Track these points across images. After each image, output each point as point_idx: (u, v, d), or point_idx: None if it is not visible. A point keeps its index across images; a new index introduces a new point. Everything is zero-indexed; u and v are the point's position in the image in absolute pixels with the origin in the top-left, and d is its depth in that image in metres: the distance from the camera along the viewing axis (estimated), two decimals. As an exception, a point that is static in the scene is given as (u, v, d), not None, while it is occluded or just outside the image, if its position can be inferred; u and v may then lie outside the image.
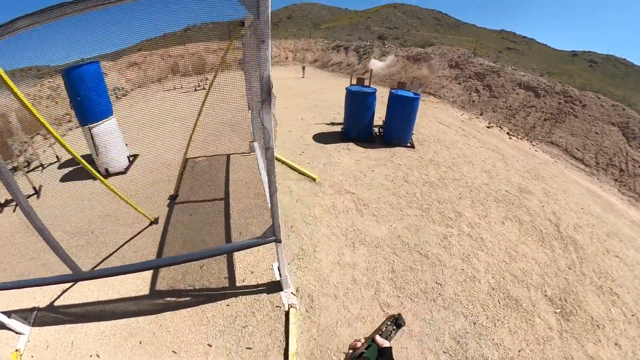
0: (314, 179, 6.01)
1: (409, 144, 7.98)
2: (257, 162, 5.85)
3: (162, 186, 5.68)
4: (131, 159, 7.08)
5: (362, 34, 44.82)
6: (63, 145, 3.30)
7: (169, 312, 3.40)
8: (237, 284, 3.71)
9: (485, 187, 6.08)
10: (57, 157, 7.47)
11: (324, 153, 7.32)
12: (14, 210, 5.49)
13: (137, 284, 3.76)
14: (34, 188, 6.00)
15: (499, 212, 5.34)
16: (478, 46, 23.73)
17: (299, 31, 51.19)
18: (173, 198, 5.50)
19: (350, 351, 1.00)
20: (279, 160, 6.74)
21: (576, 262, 4.42)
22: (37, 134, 8.75)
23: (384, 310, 3.38)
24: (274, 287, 3.61)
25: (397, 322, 1.10)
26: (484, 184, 6.20)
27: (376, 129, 8.71)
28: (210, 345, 3.05)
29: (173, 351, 3.01)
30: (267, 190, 3.05)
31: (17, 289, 3.07)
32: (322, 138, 8.28)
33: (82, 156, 6.86)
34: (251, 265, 3.93)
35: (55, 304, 3.54)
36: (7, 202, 5.70)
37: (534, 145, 9.68)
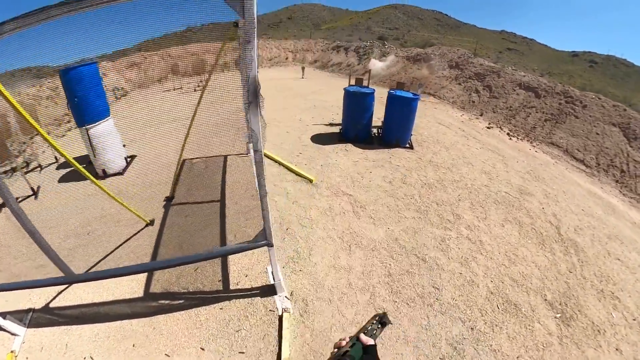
0: (310, 181, 5.94)
1: (407, 145, 7.91)
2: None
3: (159, 187, 5.61)
4: (129, 160, 7.03)
5: (363, 35, 44.77)
6: (55, 148, 3.25)
7: (163, 315, 3.37)
8: (231, 287, 3.66)
9: (484, 189, 6.01)
10: (55, 157, 7.43)
11: (321, 154, 7.25)
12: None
13: (131, 286, 3.72)
14: (32, 189, 5.96)
15: (498, 214, 5.27)
16: (478, 47, 23.66)
17: (300, 32, 51.21)
18: (169, 199, 5.44)
19: (335, 350, 0.99)
20: (275, 161, 6.69)
21: (577, 266, 4.35)
22: (36, 134, 8.72)
23: (379, 315, 3.32)
24: (268, 290, 3.55)
25: (382, 320, 1.09)
26: (483, 186, 6.13)
27: (375, 130, 8.64)
28: (203, 349, 3.01)
29: (166, 354, 2.97)
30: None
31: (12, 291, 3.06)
32: (320, 139, 8.22)
33: (80, 157, 6.90)
34: (245, 268, 3.87)
35: (51, 305, 3.51)
36: (4, 203, 5.65)
37: (534, 146, 9.62)
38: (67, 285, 3.72)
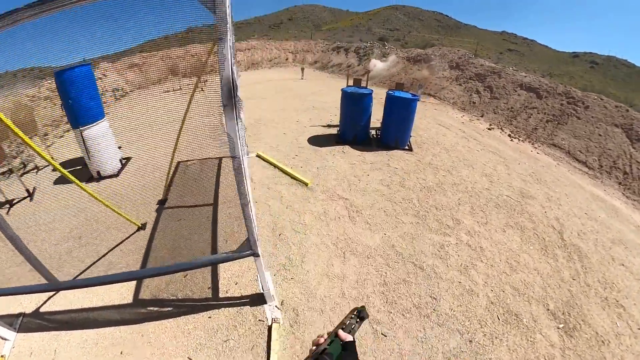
0: (306, 184, 5.81)
1: (406, 147, 7.78)
2: (248, 166, 5.66)
3: (153, 190, 5.51)
4: (124, 161, 6.93)
5: (363, 36, 44.60)
6: (40, 154, 3.14)
7: (151, 323, 3.30)
8: (221, 295, 3.56)
9: (485, 192, 5.86)
10: (52, 158, 7.34)
11: (318, 156, 7.12)
12: (7, 212, 5.38)
13: (121, 292, 3.65)
14: (27, 191, 5.87)
15: (499, 218, 5.12)
16: (479, 47, 23.54)
17: (300, 32, 51.13)
18: (162, 203, 5.33)
19: (314, 347, 0.98)
20: (270, 163, 6.57)
21: (580, 272, 4.21)
22: (35, 134, 8.64)
23: (372, 327, 3.17)
24: (258, 299, 3.42)
25: (360, 315, 1.09)
26: (484, 189, 5.98)
27: (373, 132, 8.52)
28: (190, 359, 2.93)
29: (154, 363, 2.89)
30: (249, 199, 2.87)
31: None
32: (317, 141, 8.09)
33: (75, 159, 6.79)
34: (236, 276, 3.74)
35: (41, 310, 3.48)
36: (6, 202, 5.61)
37: (535, 148, 9.46)
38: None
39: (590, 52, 52.78)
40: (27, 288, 3.05)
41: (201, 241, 4.36)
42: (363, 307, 1.12)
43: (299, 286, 3.64)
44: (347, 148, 7.63)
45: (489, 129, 10.62)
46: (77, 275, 3.79)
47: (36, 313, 3.43)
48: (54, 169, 6.95)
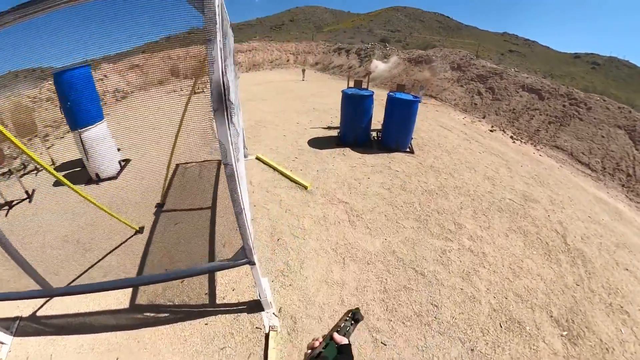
0: (305, 187, 5.73)
1: (408, 149, 7.70)
2: (246, 169, 5.60)
3: (152, 192, 5.45)
4: (123, 163, 6.89)
5: (365, 37, 44.55)
6: (33, 159, 3.09)
7: (148, 329, 3.23)
8: (218, 302, 3.49)
9: (488, 196, 5.78)
10: (52, 160, 7.31)
11: (318, 159, 7.06)
12: (6, 215, 5.35)
13: (117, 297, 3.59)
14: (27, 192, 5.83)
15: (502, 223, 5.04)
16: (480, 49, 23.46)
17: (302, 34, 51.19)
18: (160, 206, 5.27)
19: (309, 351, 0.97)
20: (270, 166, 6.51)
21: (584, 278, 4.12)
22: (36, 135, 8.62)
23: (372, 336, 3.10)
24: (256, 306, 3.35)
25: (354, 317, 1.08)
26: (486, 192, 5.90)
27: (374, 134, 8.45)
28: None
29: (149, 370, 2.83)
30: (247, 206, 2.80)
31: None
32: (317, 143, 8.02)
33: (74, 161, 6.75)
34: (233, 282, 3.68)
35: (38, 314, 3.43)
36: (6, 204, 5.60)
37: (538, 150, 9.39)
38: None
39: (592, 53, 52.66)
40: (19, 294, 3.00)
41: (199, 244, 4.30)
42: (357, 309, 1.12)
43: (298, 293, 3.56)
44: (347, 150, 7.56)
45: (490, 130, 10.54)
46: (73, 280, 3.74)
47: (33, 317, 3.39)
48: (55, 170, 6.97)
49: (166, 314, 3.39)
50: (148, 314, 3.41)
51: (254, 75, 22.59)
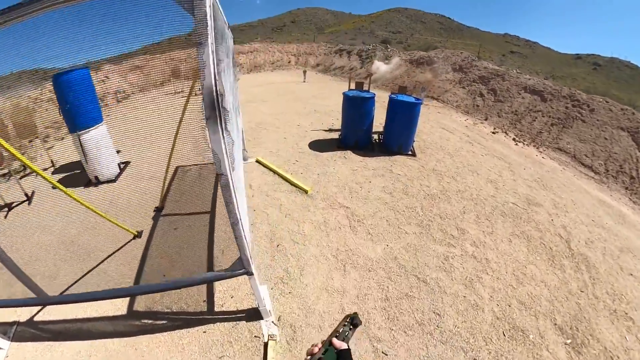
0: (306, 191, 5.67)
1: (409, 152, 7.64)
2: (246, 172, 5.56)
3: (151, 196, 5.40)
4: (122, 166, 6.85)
5: (366, 38, 44.53)
6: (27, 165, 3.05)
7: (145, 336, 3.18)
8: (216, 309, 3.42)
9: (491, 200, 5.72)
10: (52, 162, 7.28)
11: (319, 162, 7.00)
12: (5, 217, 5.31)
13: (115, 303, 3.54)
14: (26, 194, 5.79)
15: (505, 227, 4.97)
16: (481, 50, 23.39)
17: (303, 35, 51.27)
18: (159, 210, 5.22)
19: (308, 357, 0.97)
20: (270, 169, 6.45)
21: (588, 284, 4.06)
22: (36, 136, 8.60)
23: (373, 345, 3.03)
24: (254, 314, 3.29)
25: (353, 321, 1.08)
26: (489, 196, 5.84)
27: (375, 136, 8.39)
28: None
29: (146, 379, 2.78)
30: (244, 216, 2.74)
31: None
32: (318, 146, 7.97)
33: (73, 163, 6.71)
34: (232, 289, 3.62)
35: (35, 319, 3.38)
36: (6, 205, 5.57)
37: (541, 152, 9.32)
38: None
39: (593, 54, 52.50)
40: (12, 302, 2.97)
41: (198, 250, 4.25)
42: (355, 313, 1.11)
43: (297, 301, 3.50)
44: (348, 153, 7.50)
45: (493, 132, 10.47)
46: (69, 287, 3.68)
47: (30, 322, 3.35)
48: (54, 173, 6.94)
49: (164, 321, 3.33)
50: (146, 320, 3.35)
51: (255, 77, 22.57)
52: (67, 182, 6.26)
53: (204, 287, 3.68)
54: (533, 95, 11.82)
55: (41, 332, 3.25)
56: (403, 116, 7.30)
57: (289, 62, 28.18)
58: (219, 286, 3.67)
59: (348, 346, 0.99)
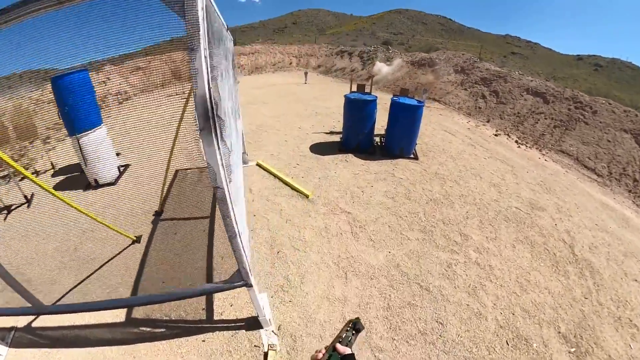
0: (307, 196, 5.62)
1: (412, 155, 7.58)
2: (246, 176, 5.51)
3: (151, 199, 5.35)
4: (122, 169, 6.81)
5: (367, 40, 44.41)
6: (20, 171, 3.01)
7: (144, 344, 3.14)
8: (215, 317, 3.38)
9: (494, 204, 5.65)
10: (52, 164, 7.25)
11: (320, 165, 6.94)
12: (4, 219, 5.29)
13: (113, 310, 3.48)
14: (25, 197, 5.76)
15: (509, 233, 4.91)
16: (483, 51, 23.31)
17: (304, 37, 51.22)
18: (158, 214, 5.18)
19: None
20: (271, 173, 6.39)
21: (592, 290, 4.00)
22: (37, 138, 8.57)
23: (375, 356, 2.98)
24: (254, 323, 3.24)
25: (355, 326, 1.09)
26: (492, 200, 5.77)
27: (377, 139, 8.33)
28: None
29: (144, 389, 2.73)
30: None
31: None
32: (319, 148, 7.91)
33: (72, 165, 6.68)
34: (231, 297, 3.57)
35: (33, 324, 3.35)
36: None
37: (543, 155, 9.25)
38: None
39: (594, 55, 52.24)
40: (6, 310, 2.95)
41: (197, 256, 4.20)
42: (358, 318, 1.12)
43: (298, 310, 3.44)
44: (350, 156, 7.45)
45: (495, 135, 10.41)
46: (67, 293, 3.65)
47: (28, 328, 3.31)
48: (54, 175, 6.90)
49: (163, 329, 3.29)
50: (144, 328, 3.31)
51: (257, 78, 22.55)
52: (66, 185, 6.24)
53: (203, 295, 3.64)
54: (535, 97, 11.74)
55: (39, 338, 3.22)
56: (405, 119, 7.24)
57: (290, 63, 28.17)
58: (218, 294, 3.62)
59: (352, 351, 1.00)
